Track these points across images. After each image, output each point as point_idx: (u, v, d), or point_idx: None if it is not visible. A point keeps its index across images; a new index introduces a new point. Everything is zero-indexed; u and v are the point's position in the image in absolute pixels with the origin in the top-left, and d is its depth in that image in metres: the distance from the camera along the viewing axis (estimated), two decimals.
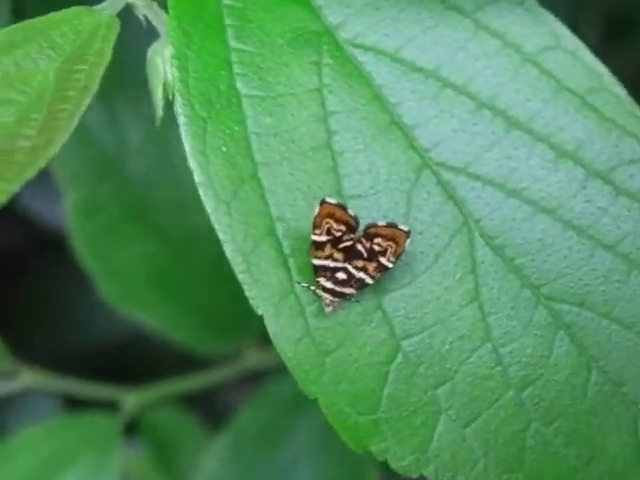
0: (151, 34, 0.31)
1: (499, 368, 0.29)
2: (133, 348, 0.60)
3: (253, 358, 0.51)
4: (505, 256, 0.29)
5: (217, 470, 0.49)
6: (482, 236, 0.29)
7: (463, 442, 0.28)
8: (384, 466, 0.51)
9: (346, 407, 0.28)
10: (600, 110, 0.30)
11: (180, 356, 0.53)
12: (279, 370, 0.51)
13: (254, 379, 0.53)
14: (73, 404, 0.51)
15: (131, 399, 0.49)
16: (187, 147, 0.28)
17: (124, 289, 0.49)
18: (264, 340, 0.52)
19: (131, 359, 0.59)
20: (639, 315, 0.29)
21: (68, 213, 0.48)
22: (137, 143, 0.49)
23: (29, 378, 0.47)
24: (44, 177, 0.49)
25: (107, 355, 0.58)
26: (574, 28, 0.31)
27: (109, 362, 0.57)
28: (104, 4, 0.30)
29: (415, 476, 0.28)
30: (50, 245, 0.59)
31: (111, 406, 0.49)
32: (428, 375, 0.28)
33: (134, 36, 0.30)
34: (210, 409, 0.57)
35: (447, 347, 0.28)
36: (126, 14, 0.30)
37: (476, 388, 0.28)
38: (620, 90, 0.30)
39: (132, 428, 0.51)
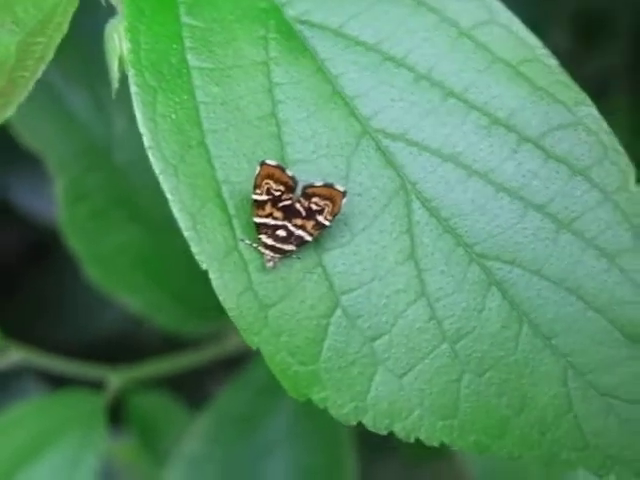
0: None
1: (434, 321, 0.30)
2: (122, 338, 0.62)
3: (233, 342, 0.53)
4: (440, 217, 0.31)
5: (196, 451, 0.51)
6: (418, 198, 0.31)
7: (400, 391, 0.30)
8: (361, 449, 0.53)
9: (288, 357, 0.30)
10: (532, 79, 0.32)
11: (167, 344, 0.55)
12: (258, 355, 0.53)
13: (234, 364, 0.55)
14: (59, 385, 0.53)
15: (115, 378, 0.51)
16: (138, 114, 0.30)
17: (110, 273, 0.51)
18: None
19: (120, 348, 0.61)
20: (567, 272, 0.30)
21: (57, 200, 0.51)
22: (123, 130, 0.51)
23: (17, 356, 0.49)
24: (40, 175, 0.52)
25: (97, 343, 0.60)
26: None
27: (99, 350, 0.59)
28: None
29: (354, 423, 0.30)
30: (46, 240, 0.62)
31: (96, 386, 0.51)
32: (366, 328, 0.30)
33: None
34: (192, 393, 0.59)
35: (384, 301, 0.30)
36: None
37: (412, 340, 0.30)
38: (552, 61, 0.32)
39: (117, 417, 0.53)
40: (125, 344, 0.61)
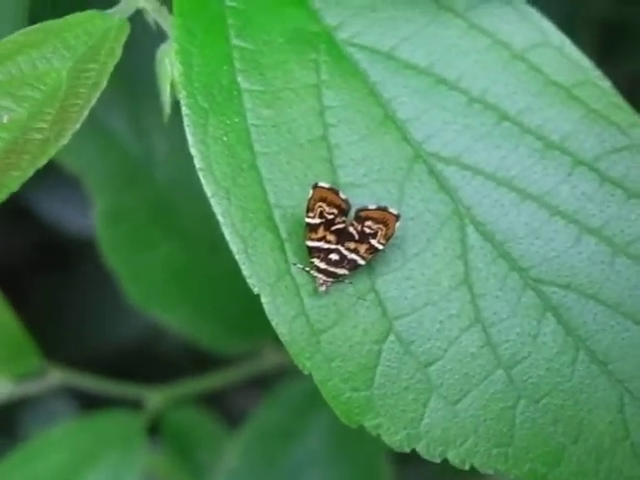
0: None
1: (488, 347, 0.30)
2: (150, 350, 0.61)
3: (269, 359, 0.53)
4: (494, 241, 0.30)
5: (236, 466, 0.51)
6: (472, 222, 0.30)
7: (454, 418, 0.30)
8: (397, 463, 0.52)
9: (340, 383, 0.29)
10: (585, 102, 0.31)
11: (196, 358, 0.55)
12: (292, 371, 0.53)
13: (266, 381, 0.55)
14: (95, 405, 0.53)
15: (154, 397, 0.51)
16: (189, 136, 0.30)
17: (148, 291, 0.51)
18: (278, 342, 0.54)
19: (148, 361, 0.61)
20: (624, 296, 0.30)
21: (96, 220, 0.51)
22: (162, 152, 0.51)
23: (57, 377, 0.49)
24: (62, 182, 0.52)
25: (126, 357, 0.60)
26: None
27: (128, 364, 0.58)
28: (116, 8, 0.32)
29: (407, 450, 0.30)
30: (76, 252, 0.62)
31: (133, 405, 0.51)
32: (419, 354, 0.30)
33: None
34: (225, 410, 0.58)
35: (437, 327, 0.30)
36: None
37: (466, 366, 0.30)
38: (605, 83, 0.31)
39: (154, 430, 0.53)
40: (145, 356, 0.61)
